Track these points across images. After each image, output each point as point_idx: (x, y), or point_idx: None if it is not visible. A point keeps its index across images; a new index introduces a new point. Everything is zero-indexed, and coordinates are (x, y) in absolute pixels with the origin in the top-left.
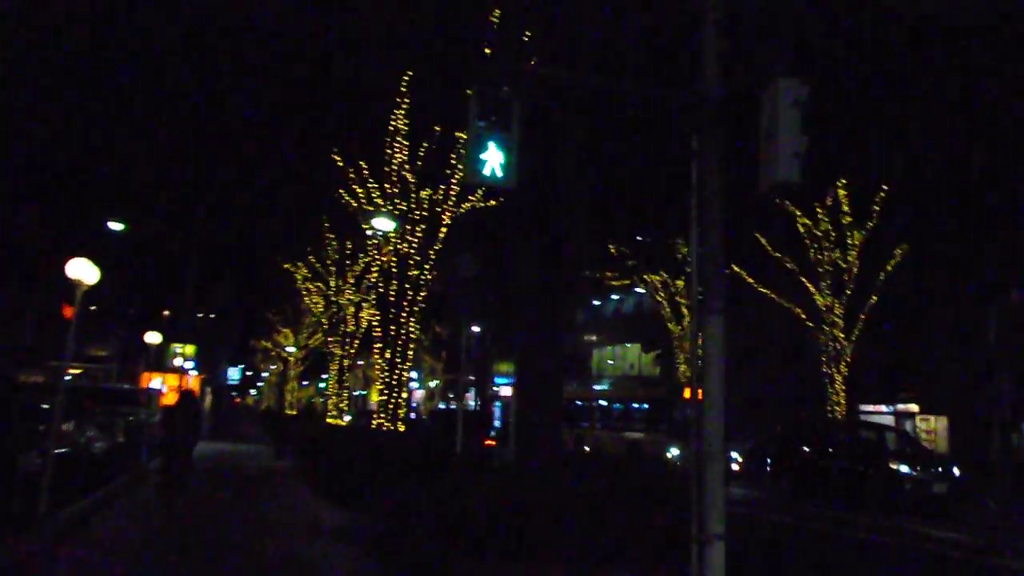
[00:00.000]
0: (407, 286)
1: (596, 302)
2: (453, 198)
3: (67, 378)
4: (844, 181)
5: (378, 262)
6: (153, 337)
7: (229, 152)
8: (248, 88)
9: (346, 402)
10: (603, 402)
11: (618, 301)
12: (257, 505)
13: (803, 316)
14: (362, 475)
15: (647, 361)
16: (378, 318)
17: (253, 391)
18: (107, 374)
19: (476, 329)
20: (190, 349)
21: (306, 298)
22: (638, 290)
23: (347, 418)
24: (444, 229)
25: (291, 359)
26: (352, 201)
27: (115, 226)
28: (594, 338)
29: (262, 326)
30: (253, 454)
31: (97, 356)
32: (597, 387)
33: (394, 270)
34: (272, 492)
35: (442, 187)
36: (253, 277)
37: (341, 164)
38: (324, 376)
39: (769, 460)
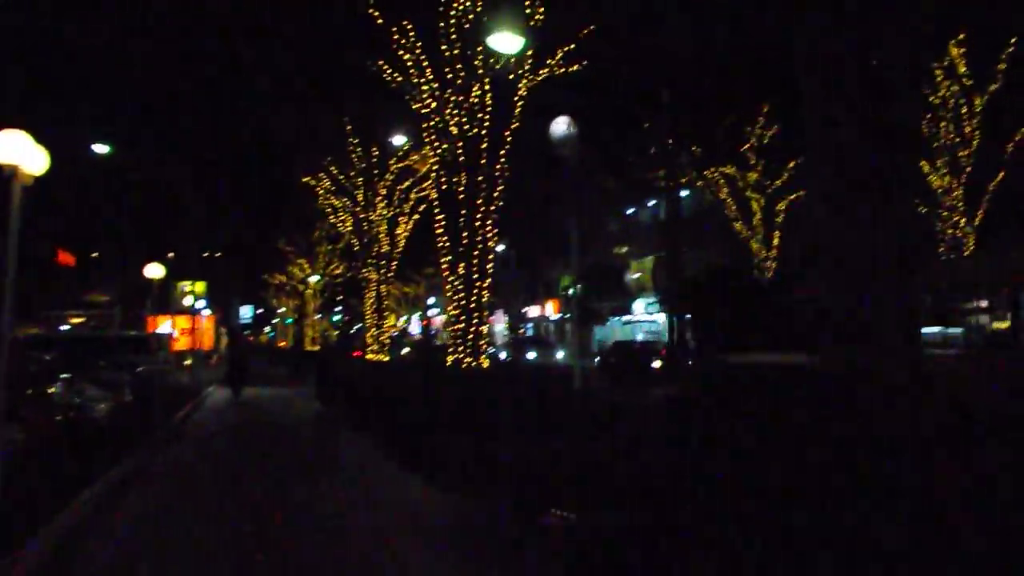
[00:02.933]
0: (480, 179)
1: (629, 211)
2: (529, 63)
3: (65, 327)
4: (962, 36)
5: (438, 153)
6: (155, 271)
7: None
8: None
9: (387, 335)
10: None
11: (654, 207)
12: (327, 485)
13: (916, 200)
14: (456, 433)
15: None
16: (443, 224)
17: (267, 329)
18: (109, 321)
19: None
20: (200, 286)
21: (331, 217)
22: (683, 192)
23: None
24: (519, 105)
25: (309, 291)
26: (393, 73)
27: (100, 148)
28: (624, 250)
29: (275, 259)
30: (286, 399)
31: (98, 302)
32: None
33: (461, 159)
34: (334, 460)
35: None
36: (264, 202)
37: (380, 21)
38: (337, 309)
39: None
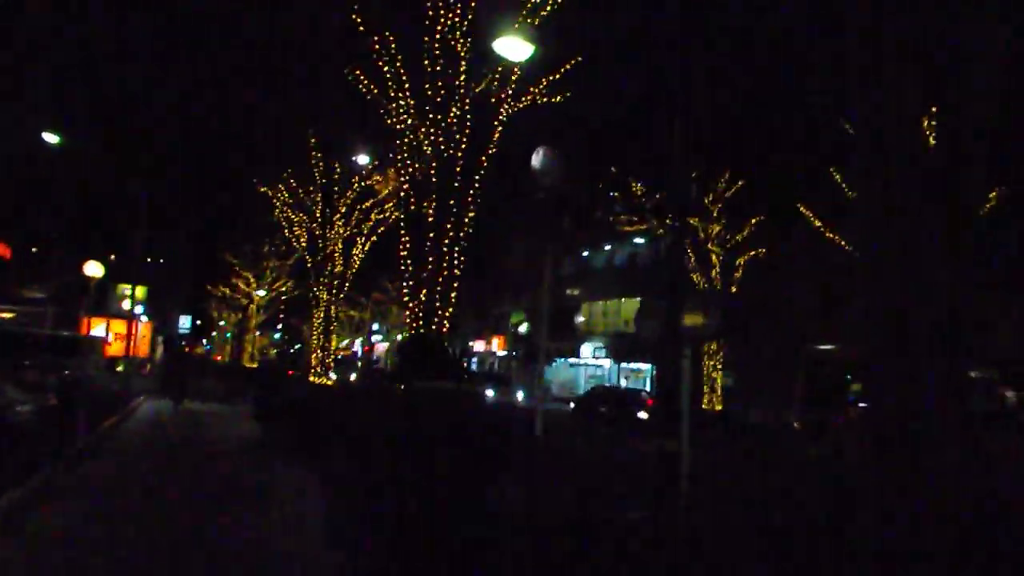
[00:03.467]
0: (451, 203)
1: (585, 253)
2: (512, 86)
3: None
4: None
5: (409, 172)
6: (94, 269)
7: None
8: None
9: (332, 356)
10: None
11: (610, 251)
12: (260, 513)
13: None
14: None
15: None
16: (407, 247)
17: (204, 341)
18: (41, 319)
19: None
20: (140, 291)
21: (286, 231)
22: (638, 240)
23: (332, 376)
24: (498, 129)
25: (253, 306)
26: (370, 84)
27: (49, 137)
28: (574, 293)
29: (220, 269)
30: (223, 416)
31: (31, 299)
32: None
33: (433, 180)
34: (270, 485)
35: (498, 72)
36: (215, 209)
37: (362, 28)
38: (278, 327)
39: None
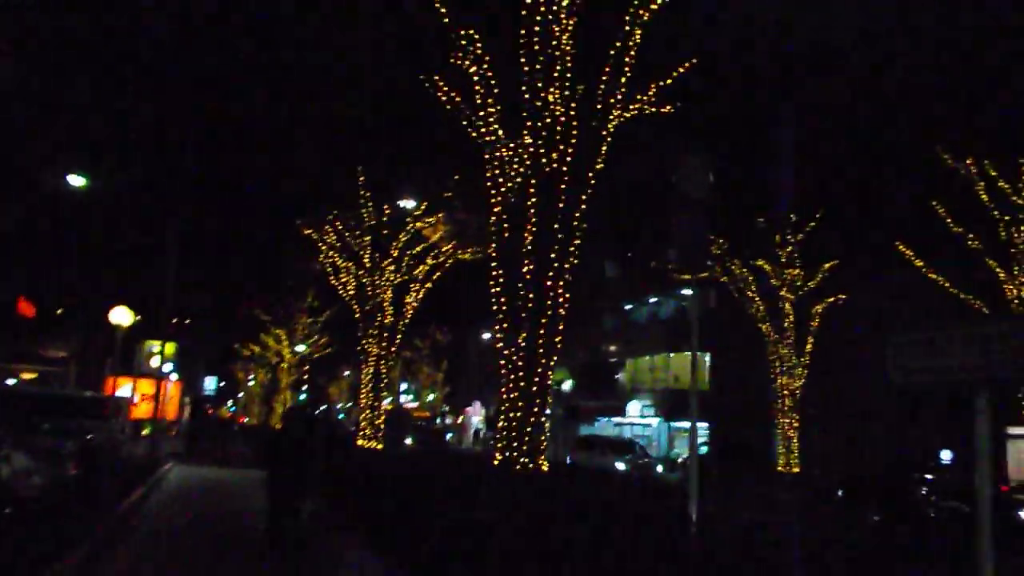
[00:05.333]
0: (555, 226)
1: (627, 306)
2: (621, 94)
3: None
4: None
5: (501, 192)
6: (121, 316)
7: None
8: None
9: (381, 417)
10: None
11: (654, 305)
12: None
13: (985, 310)
14: None
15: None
16: (501, 283)
17: (230, 403)
18: (62, 378)
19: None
20: (170, 348)
21: (331, 278)
22: (685, 291)
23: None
24: (607, 139)
25: (284, 364)
26: (473, 121)
27: (75, 180)
28: (612, 348)
29: (249, 327)
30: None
31: (53, 358)
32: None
33: (532, 200)
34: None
35: (604, 79)
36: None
37: (447, 20)
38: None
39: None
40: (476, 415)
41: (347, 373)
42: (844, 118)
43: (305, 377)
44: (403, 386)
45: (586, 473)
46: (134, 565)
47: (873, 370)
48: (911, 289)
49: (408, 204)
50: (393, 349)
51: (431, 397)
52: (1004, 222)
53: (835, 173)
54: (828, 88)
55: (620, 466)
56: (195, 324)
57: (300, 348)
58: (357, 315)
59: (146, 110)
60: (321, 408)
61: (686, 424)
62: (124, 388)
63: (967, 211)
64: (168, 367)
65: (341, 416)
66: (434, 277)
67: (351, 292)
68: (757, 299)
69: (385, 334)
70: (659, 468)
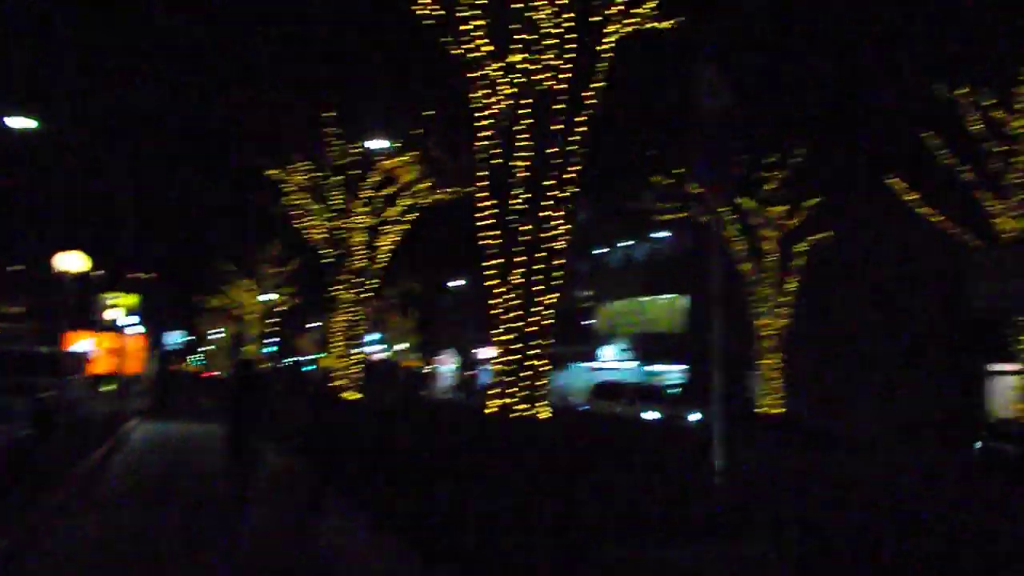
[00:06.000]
0: (552, 151)
1: (599, 251)
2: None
3: None
4: None
5: (490, 115)
6: (70, 261)
7: None
8: None
9: (359, 366)
10: None
11: (627, 248)
12: None
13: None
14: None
15: (662, 318)
16: (491, 215)
17: (194, 356)
18: (19, 335)
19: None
20: (131, 299)
21: (298, 221)
22: (660, 234)
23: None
24: (605, 57)
25: (251, 316)
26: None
27: (20, 122)
28: (585, 294)
29: (213, 279)
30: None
31: (9, 314)
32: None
33: (526, 123)
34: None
35: None
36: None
37: None
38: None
39: None
40: (449, 363)
41: (316, 324)
42: (834, 45)
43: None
44: (374, 335)
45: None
46: (83, 533)
47: (863, 309)
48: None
49: (379, 144)
50: (367, 295)
51: (402, 346)
52: (997, 153)
53: (822, 103)
54: (824, 13)
55: (651, 416)
56: (158, 277)
57: (270, 297)
58: (327, 260)
59: (89, 39)
60: (289, 360)
61: (663, 368)
62: (83, 343)
63: (959, 142)
64: (131, 320)
65: (311, 367)
66: (408, 218)
67: (320, 237)
68: (738, 238)
69: (359, 279)
70: (694, 417)
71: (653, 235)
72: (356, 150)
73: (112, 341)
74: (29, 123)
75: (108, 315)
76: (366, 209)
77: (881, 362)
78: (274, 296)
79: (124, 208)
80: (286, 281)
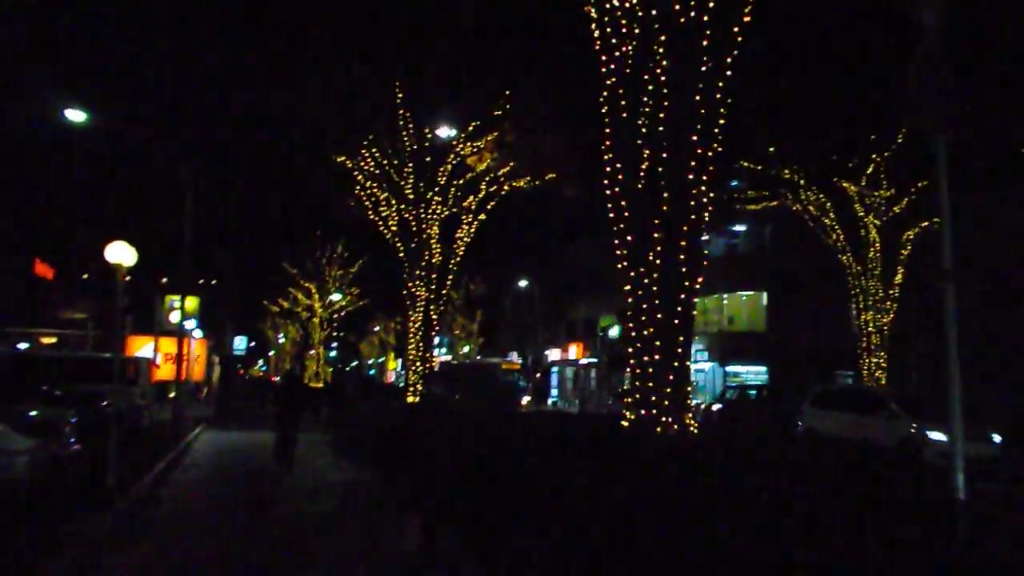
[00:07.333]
0: (697, 98)
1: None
2: None
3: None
4: None
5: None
6: (120, 253)
7: None
8: None
9: (429, 367)
10: None
11: (704, 243)
12: None
13: None
14: None
15: (741, 315)
16: (616, 172)
17: (260, 362)
18: (83, 342)
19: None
20: (192, 302)
21: (371, 212)
22: (737, 227)
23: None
24: None
25: (316, 320)
26: None
27: (74, 115)
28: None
29: (275, 283)
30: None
31: (74, 320)
32: None
33: (659, 62)
34: None
35: None
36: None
37: None
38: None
39: None
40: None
41: (376, 328)
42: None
43: (335, 334)
44: (436, 339)
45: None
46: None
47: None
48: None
49: (450, 133)
50: (444, 291)
51: (466, 349)
52: None
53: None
54: None
55: (936, 435)
56: (221, 282)
57: (335, 297)
58: (401, 254)
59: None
60: (352, 364)
61: (741, 368)
62: (144, 348)
63: None
64: (191, 324)
65: (371, 372)
66: (487, 207)
67: (393, 228)
68: (836, 227)
69: (434, 275)
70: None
71: (732, 227)
72: (428, 135)
73: (176, 347)
74: (79, 115)
75: (171, 319)
76: (440, 199)
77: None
78: (337, 296)
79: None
80: (351, 282)
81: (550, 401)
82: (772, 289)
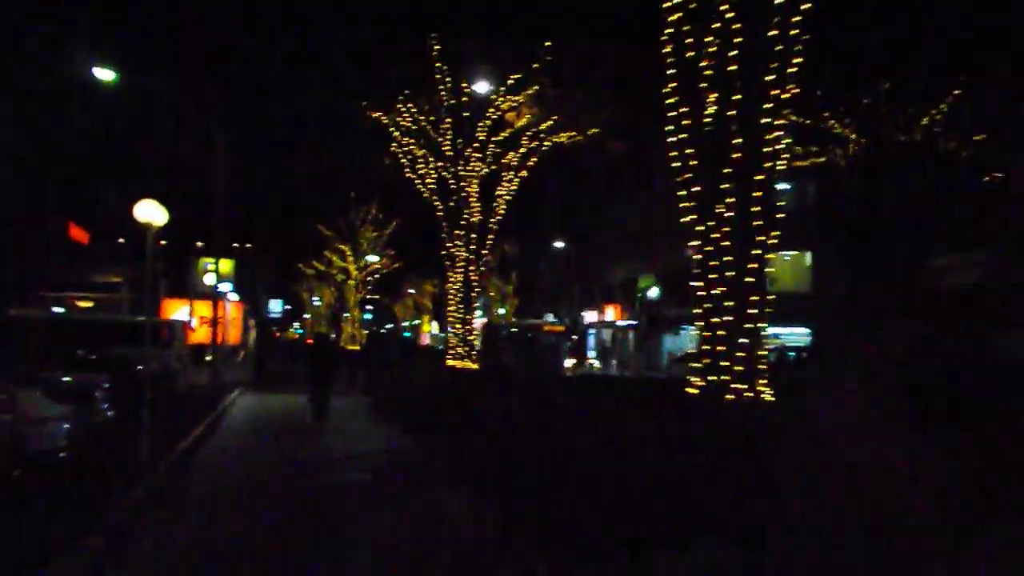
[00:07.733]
0: (772, 34)
1: None
2: None
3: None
4: None
5: None
6: (149, 211)
7: None
8: None
9: (473, 334)
10: None
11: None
12: None
13: None
14: None
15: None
16: (680, 122)
17: (296, 325)
18: (118, 305)
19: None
20: (227, 265)
21: (408, 171)
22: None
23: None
24: None
25: (351, 282)
26: None
27: (103, 74)
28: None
29: (311, 245)
30: (340, 413)
31: (109, 283)
32: None
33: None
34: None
35: None
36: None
37: None
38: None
39: None
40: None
41: (411, 291)
42: None
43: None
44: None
45: None
46: (167, 547)
47: None
48: None
49: (485, 87)
50: (484, 251)
51: (501, 311)
52: None
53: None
54: None
55: None
56: (256, 244)
57: (372, 259)
58: (440, 213)
59: None
60: (387, 327)
61: (785, 331)
62: (180, 311)
63: None
64: (226, 286)
65: (406, 335)
66: (528, 164)
67: (431, 186)
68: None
69: (473, 235)
70: None
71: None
72: (465, 89)
73: (211, 310)
74: (108, 74)
75: (206, 281)
76: (479, 156)
77: None
78: (374, 258)
79: (214, 164)
80: (385, 244)
81: (586, 364)
82: (816, 249)
